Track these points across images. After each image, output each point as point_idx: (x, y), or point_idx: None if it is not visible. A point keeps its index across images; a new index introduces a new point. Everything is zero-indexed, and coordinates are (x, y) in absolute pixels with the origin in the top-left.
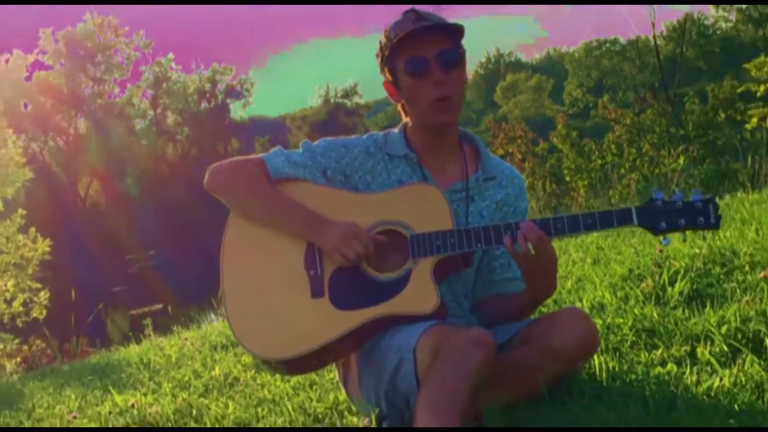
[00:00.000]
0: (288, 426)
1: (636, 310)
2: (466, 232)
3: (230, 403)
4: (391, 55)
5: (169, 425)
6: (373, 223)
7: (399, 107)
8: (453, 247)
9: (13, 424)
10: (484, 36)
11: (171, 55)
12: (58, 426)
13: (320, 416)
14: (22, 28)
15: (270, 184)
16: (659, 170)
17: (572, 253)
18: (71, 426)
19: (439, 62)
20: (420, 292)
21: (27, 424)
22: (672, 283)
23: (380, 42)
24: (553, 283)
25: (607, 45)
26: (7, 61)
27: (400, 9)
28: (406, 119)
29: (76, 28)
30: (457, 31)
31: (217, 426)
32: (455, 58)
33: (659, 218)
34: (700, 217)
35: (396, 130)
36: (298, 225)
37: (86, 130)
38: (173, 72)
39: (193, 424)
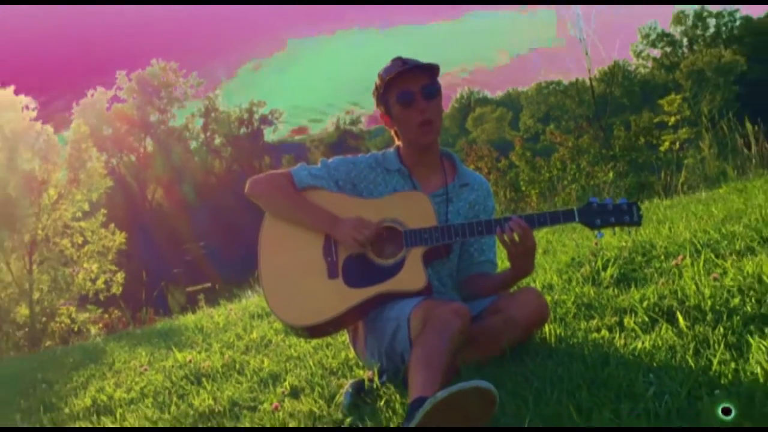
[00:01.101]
0: (309, 377)
1: (577, 289)
2: (447, 227)
3: (265, 359)
4: (384, 92)
5: (218, 376)
6: (376, 221)
7: (392, 133)
8: (437, 239)
9: (98, 375)
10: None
11: (218, 91)
12: (133, 375)
13: (335, 369)
14: (103, 70)
15: (296, 192)
16: (593, 182)
17: None
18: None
19: (422, 94)
20: (412, 274)
21: (108, 375)
22: (605, 269)
23: (375, 83)
24: (532, 265)
25: (553, 85)
26: (92, 95)
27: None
28: (398, 142)
29: (146, 71)
30: (434, 70)
31: (255, 378)
32: (434, 91)
33: (595, 217)
34: (626, 216)
35: (391, 150)
36: (318, 222)
37: (152, 149)
38: (220, 104)
39: (236, 376)
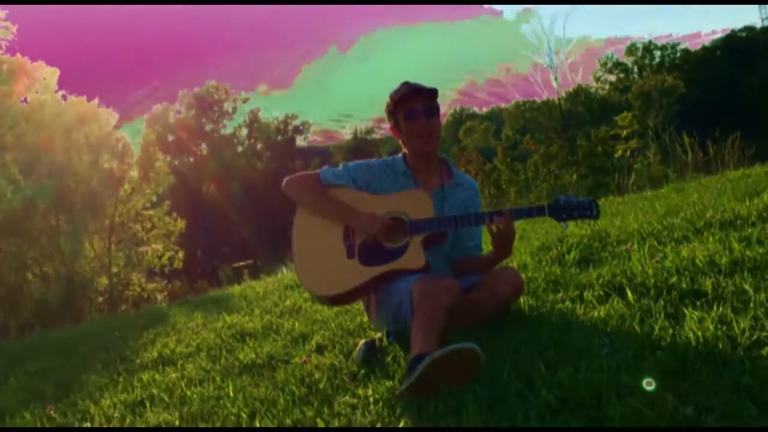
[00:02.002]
0: (332, 337)
1: (546, 269)
2: (443, 219)
3: (296, 323)
4: (394, 109)
5: (259, 335)
6: (385, 213)
7: (400, 142)
8: (434, 228)
9: (163, 334)
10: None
11: (261, 107)
12: (191, 334)
13: (352, 331)
14: (167, 90)
15: (322, 189)
16: (560, 182)
17: None
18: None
19: (424, 112)
20: (414, 256)
21: (171, 333)
22: (569, 252)
23: (386, 102)
24: (511, 249)
25: (528, 104)
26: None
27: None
28: (405, 150)
29: (201, 89)
30: (434, 93)
31: (288, 337)
32: (434, 110)
33: (561, 211)
34: (587, 211)
35: (399, 155)
36: (339, 214)
37: (207, 153)
38: (261, 117)
39: (273, 335)
